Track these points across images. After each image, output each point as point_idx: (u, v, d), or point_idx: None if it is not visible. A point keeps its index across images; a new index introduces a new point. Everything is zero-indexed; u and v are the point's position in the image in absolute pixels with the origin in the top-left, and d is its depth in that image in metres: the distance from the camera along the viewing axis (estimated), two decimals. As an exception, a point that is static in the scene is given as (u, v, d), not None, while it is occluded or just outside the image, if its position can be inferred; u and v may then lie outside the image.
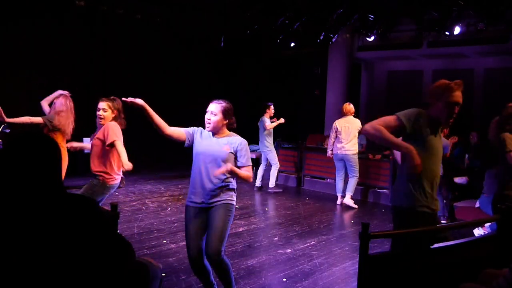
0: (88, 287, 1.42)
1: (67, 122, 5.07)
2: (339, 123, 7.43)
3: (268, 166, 8.57)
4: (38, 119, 4.97)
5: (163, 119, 3.35)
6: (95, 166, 4.09)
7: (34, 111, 5.27)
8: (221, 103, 3.27)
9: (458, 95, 2.73)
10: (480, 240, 3.22)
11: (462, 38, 9.11)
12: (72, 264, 1.38)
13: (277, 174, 8.65)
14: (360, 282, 2.37)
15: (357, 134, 7.34)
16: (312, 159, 9.13)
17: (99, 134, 4.08)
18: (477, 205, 5.49)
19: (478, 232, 5.57)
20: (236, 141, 3.27)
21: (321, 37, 9.90)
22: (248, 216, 6.53)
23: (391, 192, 2.84)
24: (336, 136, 7.41)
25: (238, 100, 12.42)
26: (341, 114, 7.56)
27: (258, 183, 8.63)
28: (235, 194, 3.32)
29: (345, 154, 7.31)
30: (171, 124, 3.35)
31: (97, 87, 9.31)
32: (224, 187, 3.22)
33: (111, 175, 4.08)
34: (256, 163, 10.68)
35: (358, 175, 7.39)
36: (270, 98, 10.16)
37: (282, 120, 8.24)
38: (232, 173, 3.14)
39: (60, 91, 5.24)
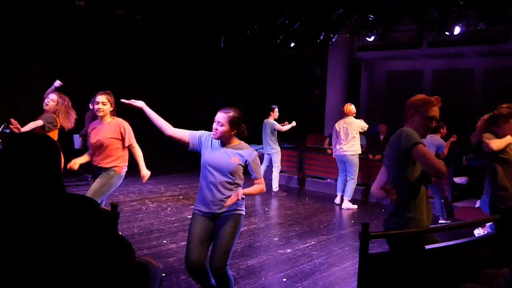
0: (88, 287, 1.42)
1: (66, 120, 5.11)
2: (338, 124, 7.46)
3: (269, 168, 8.52)
4: (40, 122, 4.98)
5: (163, 118, 3.33)
6: (108, 161, 4.18)
7: (34, 111, 5.27)
8: (228, 112, 3.11)
9: (437, 110, 2.76)
10: (480, 240, 3.23)
11: (462, 38, 9.11)
12: (72, 264, 1.38)
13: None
14: (360, 282, 2.38)
15: (356, 135, 7.31)
16: (312, 159, 9.13)
17: (112, 133, 4.16)
18: (477, 205, 5.49)
19: (478, 232, 5.57)
20: (246, 153, 3.17)
21: (321, 37, 9.90)
22: (248, 216, 6.53)
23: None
24: (337, 137, 7.42)
25: (238, 100, 12.43)
26: (342, 114, 7.57)
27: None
28: (244, 204, 3.24)
29: (344, 154, 7.32)
30: (171, 124, 3.33)
31: (97, 87, 9.29)
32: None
33: (123, 164, 4.28)
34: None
35: (356, 178, 7.36)
36: (270, 98, 10.16)
37: (294, 123, 8.18)
38: (245, 195, 3.14)
39: (55, 83, 5.31)
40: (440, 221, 6.51)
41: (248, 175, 3.22)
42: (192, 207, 3.67)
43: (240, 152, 3.17)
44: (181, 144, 3.30)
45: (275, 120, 8.26)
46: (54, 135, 5.01)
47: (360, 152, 7.41)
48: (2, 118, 6.65)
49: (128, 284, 1.55)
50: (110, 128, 4.20)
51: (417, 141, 2.61)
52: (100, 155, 4.20)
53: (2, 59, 8.21)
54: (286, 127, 8.14)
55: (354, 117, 7.45)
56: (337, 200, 7.62)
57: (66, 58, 8.99)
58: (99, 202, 4.18)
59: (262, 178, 3.25)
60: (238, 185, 3.18)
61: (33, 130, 4.84)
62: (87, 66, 9.33)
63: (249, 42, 11.00)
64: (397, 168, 2.71)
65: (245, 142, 3.27)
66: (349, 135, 7.29)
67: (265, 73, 12.81)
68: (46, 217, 1.40)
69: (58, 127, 5.04)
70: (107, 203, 4.50)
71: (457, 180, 7.01)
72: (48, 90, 5.38)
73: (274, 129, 8.15)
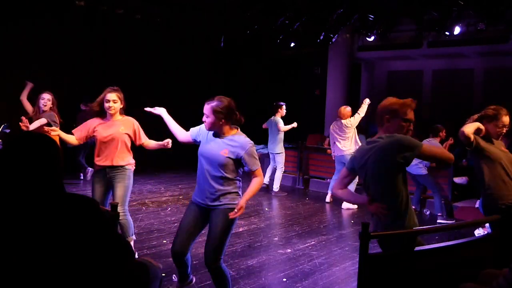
0: (88, 287, 1.42)
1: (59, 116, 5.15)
2: (331, 126, 7.53)
3: (275, 168, 8.49)
4: (44, 120, 5.00)
5: (162, 119, 3.35)
6: (124, 159, 4.09)
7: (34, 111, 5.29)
8: (211, 103, 3.09)
9: (412, 113, 2.74)
10: (480, 240, 3.22)
11: (462, 38, 9.11)
12: (72, 264, 1.38)
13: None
14: (360, 282, 2.37)
15: (349, 135, 7.30)
16: (312, 159, 9.13)
17: (126, 128, 4.08)
18: (477, 205, 5.49)
19: (478, 232, 5.57)
20: (238, 145, 3.09)
21: (321, 37, 9.90)
22: (248, 216, 6.53)
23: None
24: (332, 139, 7.48)
25: (238, 100, 12.42)
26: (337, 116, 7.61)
27: (266, 179, 8.59)
28: (239, 197, 3.17)
29: (342, 155, 7.36)
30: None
31: (97, 87, 9.30)
32: (225, 190, 3.13)
33: (133, 161, 4.21)
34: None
35: (356, 179, 7.37)
36: (270, 98, 10.15)
37: (295, 124, 8.13)
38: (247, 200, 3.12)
39: (30, 83, 5.30)
40: (438, 221, 6.52)
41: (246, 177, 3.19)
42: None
43: (232, 144, 3.11)
44: (191, 145, 3.37)
45: (281, 118, 8.16)
46: (56, 137, 5.02)
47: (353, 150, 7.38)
48: (2, 118, 6.65)
49: (128, 284, 1.55)
50: (123, 123, 4.09)
51: (418, 143, 2.60)
52: (113, 153, 4.04)
53: (2, 59, 8.21)
54: (286, 127, 8.10)
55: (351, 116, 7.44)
56: (328, 199, 7.67)
57: (66, 58, 8.99)
58: (127, 204, 4.14)
59: (259, 169, 3.16)
60: (229, 179, 3.11)
61: (39, 128, 4.86)
62: (87, 66, 9.33)
63: (249, 42, 10.99)
64: (389, 178, 2.62)
65: (250, 145, 3.20)
66: (342, 135, 7.33)
67: (265, 73, 12.81)
68: (46, 217, 1.40)
69: (59, 124, 5.06)
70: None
71: (457, 180, 7.01)
72: (26, 92, 5.39)
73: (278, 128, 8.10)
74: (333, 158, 7.63)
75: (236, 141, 3.13)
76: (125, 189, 4.07)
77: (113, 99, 4.05)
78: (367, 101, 7.44)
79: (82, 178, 8.64)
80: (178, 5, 8.98)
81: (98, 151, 4.11)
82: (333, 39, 10.07)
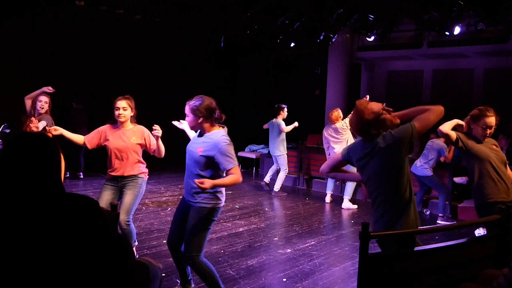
0: (88, 287, 1.41)
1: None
2: (325, 131, 7.55)
3: (278, 169, 8.47)
4: (44, 123, 4.99)
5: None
6: (135, 168, 4.08)
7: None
8: (188, 103, 3.19)
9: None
10: (480, 240, 3.22)
11: (462, 38, 9.11)
12: (72, 264, 1.38)
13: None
14: (360, 282, 2.37)
15: (345, 137, 7.28)
16: (312, 159, 9.12)
17: (137, 138, 4.04)
18: None
19: (478, 232, 5.57)
20: (213, 144, 3.10)
21: (321, 37, 9.89)
22: (248, 216, 6.53)
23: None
24: (327, 142, 7.52)
25: (238, 100, 12.45)
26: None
27: (267, 178, 8.59)
28: (214, 197, 3.18)
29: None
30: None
31: (97, 87, 9.31)
32: (200, 189, 3.10)
33: (146, 170, 4.22)
34: (256, 163, 10.70)
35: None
36: (270, 98, 10.16)
37: (296, 124, 8.13)
38: (215, 187, 3.04)
39: (44, 88, 5.26)
40: (438, 221, 6.52)
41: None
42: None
43: (208, 141, 3.15)
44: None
45: (283, 120, 8.17)
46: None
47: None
48: (2, 118, 6.65)
49: (128, 284, 1.55)
50: (134, 133, 4.07)
51: (410, 126, 2.66)
52: (125, 165, 4.04)
53: (2, 59, 8.21)
54: (288, 127, 8.09)
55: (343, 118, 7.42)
56: (327, 199, 7.68)
57: (66, 58, 8.99)
58: (133, 213, 4.12)
59: (236, 167, 3.09)
60: (204, 178, 3.09)
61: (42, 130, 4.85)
62: (87, 66, 9.33)
63: (249, 42, 10.99)
64: (393, 176, 2.68)
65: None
66: (334, 137, 7.35)
67: (265, 73, 12.80)
68: (46, 217, 1.40)
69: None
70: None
71: (457, 180, 7.01)
72: (34, 93, 5.35)
73: (280, 130, 8.07)
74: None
75: (212, 138, 3.16)
76: (133, 198, 4.04)
77: (123, 107, 4.02)
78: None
79: (81, 177, 8.68)
80: (178, 5, 8.97)
81: (110, 162, 4.09)
82: (333, 39, 10.07)
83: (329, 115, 7.49)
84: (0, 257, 1.33)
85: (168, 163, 9.92)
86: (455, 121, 3.62)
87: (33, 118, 4.69)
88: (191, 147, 3.26)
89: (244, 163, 10.94)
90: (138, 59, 10.04)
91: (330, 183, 7.76)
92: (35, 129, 4.60)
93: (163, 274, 3.92)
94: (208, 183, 2.91)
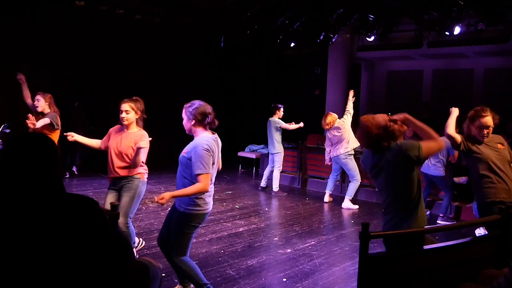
0: (88, 287, 1.41)
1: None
2: (327, 134, 7.56)
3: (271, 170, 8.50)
4: (47, 120, 5.00)
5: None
6: (133, 170, 4.04)
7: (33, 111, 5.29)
8: (185, 106, 3.27)
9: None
10: (480, 240, 3.22)
11: (462, 38, 9.11)
12: (72, 264, 1.38)
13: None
14: (360, 282, 2.37)
15: (346, 136, 7.28)
16: (312, 159, 9.12)
17: (131, 142, 3.99)
18: (474, 211, 5.47)
19: (479, 232, 5.57)
20: (193, 146, 3.15)
21: (321, 37, 9.89)
22: (248, 216, 6.53)
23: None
24: (330, 143, 7.54)
25: (238, 100, 12.45)
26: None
27: (263, 183, 8.60)
28: (195, 204, 3.19)
29: (337, 156, 7.38)
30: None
31: (97, 87, 9.31)
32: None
33: (145, 171, 4.18)
34: (256, 164, 10.70)
35: (358, 178, 7.37)
36: (270, 98, 10.15)
37: (301, 124, 8.12)
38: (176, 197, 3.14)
39: (21, 78, 5.27)
40: (438, 221, 6.51)
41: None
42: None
43: (191, 144, 3.21)
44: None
45: (280, 119, 8.19)
46: (56, 135, 5.03)
47: (349, 151, 7.34)
48: (2, 118, 6.65)
49: (128, 284, 1.55)
50: (135, 138, 4.00)
51: (416, 146, 2.68)
52: (120, 167, 4.03)
53: (2, 59, 8.20)
54: (293, 126, 8.08)
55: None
56: (326, 199, 7.70)
57: (66, 58, 8.99)
58: (132, 215, 4.12)
59: (204, 175, 3.05)
60: (188, 182, 3.14)
61: (42, 127, 4.86)
62: (87, 66, 9.33)
63: (249, 42, 10.99)
64: (404, 184, 2.72)
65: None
66: (337, 138, 7.36)
67: (265, 73, 12.80)
68: (46, 217, 1.40)
69: (59, 126, 5.06)
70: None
71: (457, 180, 7.00)
72: (24, 92, 5.40)
73: (280, 128, 8.07)
74: (328, 164, 7.68)
75: (195, 141, 3.20)
76: (129, 200, 4.02)
77: (126, 110, 3.99)
78: (351, 94, 7.40)
79: (76, 172, 8.83)
80: (178, 5, 8.98)
81: (108, 162, 4.09)
82: (333, 39, 10.07)
83: (324, 124, 7.42)
84: (0, 257, 1.33)
85: (168, 163, 9.92)
86: (455, 117, 3.66)
87: (30, 115, 4.68)
88: (183, 151, 3.30)
89: (244, 163, 10.94)
90: (138, 59, 10.04)
91: (330, 183, 7.77)
92: (31, 126, 4.60)
93: (163, 274, 3.92)
94: (166, 196, 3.00)
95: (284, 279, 4.15)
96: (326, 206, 7.50)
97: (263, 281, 4.10)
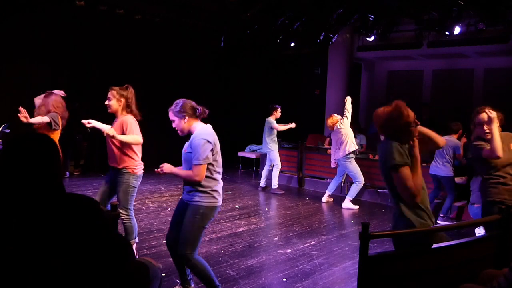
0: (88, 287, 1.41)
1: (63, 121, 5.13)
2: (332, 135, 7.61)
3: (272, 167, 8.56)
4: (46, 119, 4.99)
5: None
6: (121, 162, 4.07)
7: (33, 110, 5.28)
8: (170, 109, 3.31)
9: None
10: (480, 240, 3.22)
11: (462, 38, 9.11)
12: (72, 264, 1.38)
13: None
14: (360, 282, 2.37)
15: (344, 139, 7.28)
16: (312, 159, 9.13)
17: (116, 130, 3.99)
18: (470, 212, 5.46)
19: (479, 232, 5.56)
20: (192, 138, 3.25)
21: (321, 37, 9.89)
22: (248, 216, 6.53)
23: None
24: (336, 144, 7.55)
25: (238, 100, 12.45)
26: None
27: (262, 183, 8.63)
28: (209, 195, 3.25)
29: (338, 158, 7.39)
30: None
31: (97, 87, 9.30)
32: (194, 188, 3.24)
33: (136, 164, 4.15)
34: (256, 163, 10.71)
35: (361, 180, 7.34)
36: (270, 98, 10.15)
37: (293, 125, 8.20)
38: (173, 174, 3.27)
39: (56, 91, 5.24)
40: (438, 221, 6.51)
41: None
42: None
43: (191, 139, 3.27)
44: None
45: (276, 120, 8.29)
46: (57, 135, 5.01)
47: (347, 154, 7.33)
48: (2, 118, 6.65)
49: (128, 284, 1.55)
50: (119, 125, 4.05)
51: (393, 161, 2.62)
52: (113, 155, 4.09)
53: (2, 59, 8.21)
54: (283, 127, 8.17)
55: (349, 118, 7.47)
56: (324, 199, 7.73)
57: (66, 58, 8.98)
58: (130, 207, 4.16)
59: (199, 166, 3.12)
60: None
61: (38, 125, 4.84)
62: (87, 66, 9.33)
63: (249, 42, 10.99)
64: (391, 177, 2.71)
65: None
66: (338, 140, 7.38)
67: (265, 73, 12.81)
68: (46, 217, 1.40)
69: (60, 126, 5.05)
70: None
71: (457, 180, 7.00)
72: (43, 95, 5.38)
73: (272, 128, 8.18)
74: (333, 166, 7.70)
75: (194, 134, 3.27)
76: (123, 194, 4.08)
77: (108, 97, 4.14)
78: (348, 99, 7.42)
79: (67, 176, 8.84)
80: (178, 5, 8.98)
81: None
82: (333, 39, 10.07)
83: (327, 124, 7.55)
84: (0, 257, 1.33)
85: (168, 163, 9.93)
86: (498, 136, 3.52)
87: (21, 108, 4.66)
88: (184, 149, 3.34)
89: (244, 163, 10.95)
90: (138, 59, 10.03)
91: (332, 185, 7.74)
92: (24, 120, 4.60)
93: (163, 274, 3.92)
94: (165, 168, 3.21)
95: (284, 279, 4.15)
96: (326, 206, 7.50)
97: (263, 281, 4.10)
